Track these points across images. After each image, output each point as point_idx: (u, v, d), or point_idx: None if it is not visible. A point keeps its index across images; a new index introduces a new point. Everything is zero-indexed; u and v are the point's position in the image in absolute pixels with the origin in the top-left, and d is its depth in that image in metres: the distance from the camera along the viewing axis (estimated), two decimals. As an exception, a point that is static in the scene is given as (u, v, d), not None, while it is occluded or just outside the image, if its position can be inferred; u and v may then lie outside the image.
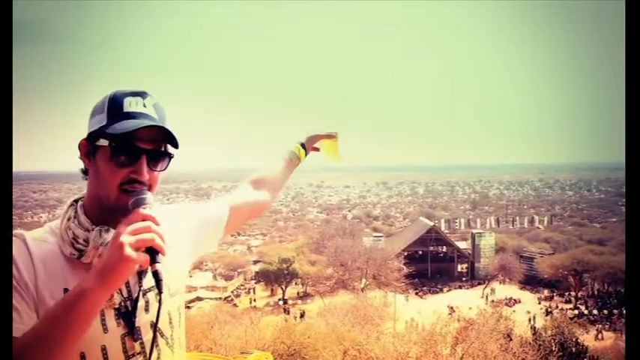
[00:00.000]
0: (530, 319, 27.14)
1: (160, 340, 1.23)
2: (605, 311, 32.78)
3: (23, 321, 1.01)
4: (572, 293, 36.93)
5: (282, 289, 38.01)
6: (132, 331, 1.16)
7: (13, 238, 1.11)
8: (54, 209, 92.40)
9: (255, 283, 42.44)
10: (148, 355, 1.16)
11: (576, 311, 32.86)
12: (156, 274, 1.02)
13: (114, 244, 0.98)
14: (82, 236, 1.14)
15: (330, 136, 1.95)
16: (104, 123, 1.14)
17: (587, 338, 21.54)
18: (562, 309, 32.44)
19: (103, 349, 1.12)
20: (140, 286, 1.18)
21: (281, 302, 36.27)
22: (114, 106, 1.15)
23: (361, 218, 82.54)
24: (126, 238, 0.98)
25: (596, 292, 38.10)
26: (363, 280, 33.71)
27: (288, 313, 32.65)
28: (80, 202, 1.21)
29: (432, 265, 46.05)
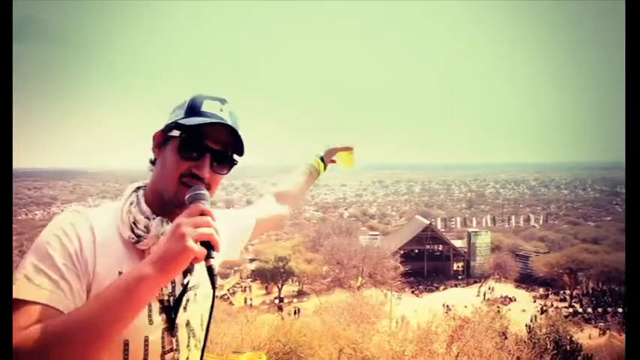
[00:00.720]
0: (531, 319, 27.25)
1: (192, 341, 1.25)
2: (600, 309, 32.96)
3: (74, 299, 1.03)
4: (567, 291, 37.12)
5: (278, 287, 38.00)
6: (172, 327, 1.18)
7: (74, 214, 1.13)
8: (49, 206, 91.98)
9: (252, 281, 42.42)
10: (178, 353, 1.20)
11: (571, 309, 33.04)
12: (210, 270, 1.05)
13: (175, 234, 0.99)
14: (142, 222, 1.16)
15: (347, 149, 2.03)
16: (180, 117, 1.19)
17: (582, 336, 21.67)
18: (557, 307, 32.63)
19: (146, 340, 1.14)
20: (183, 284, 1.21)
21: (277, 300, 36.29)
22: (193, 105, 1.21)
23: (357, 217, 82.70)
24: (188, 230, 0.99)
25: (590, 291, 38.32)
26: (359, 278, 33.77)
27: (281, 310, 32.84)
28: (142, 191, 1.24)
29: (428, 263, 46.16)
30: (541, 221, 73.64)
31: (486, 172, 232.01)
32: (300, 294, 38.50)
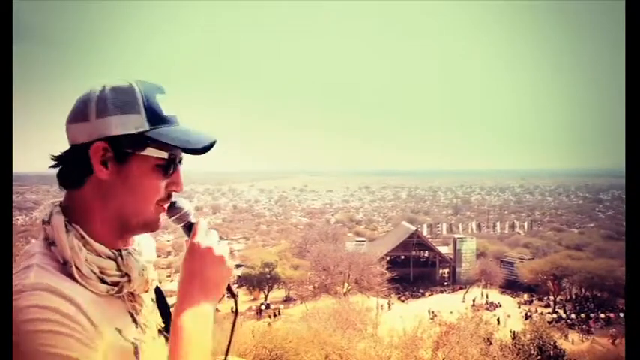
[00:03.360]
0: (513, 334, 27.42)
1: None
2: (583, 315, 33.38)
3: None
4: (551, 297, 37.53)
5: (264, 293, 37.82)
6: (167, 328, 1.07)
7: (36, 295, 0.80)
8: (31, 212, 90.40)
9: (238, 287, 42.15)
10: None
11: (555, 315, 33.39)
12: (230, 289, 1.05)
13: (213, 259, 0.97)
14: (110, 266, 0.93)
15: None
16: (146, 127, 0.92)
17: (565, 341, 21.92)
18: (541, 313, 32.95)
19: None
20: (236, 304, 1.17)
21: (263, 306, 36.11)
22: (151, 108, 0.93)
23: (344, 222, 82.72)
24: (223, 250, 0.97)
25: (574, 297, 38.78)
26: (346, 284, 33.73)
27: (260, 314, 32.95)
28: (78, 228, 0.91)
29: (414, 269, 46.31)
30: (526, 228, 74.41)
31: (472, 179, 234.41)
32: (287, 300, 38.36)
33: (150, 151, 0.93)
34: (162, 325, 1.07)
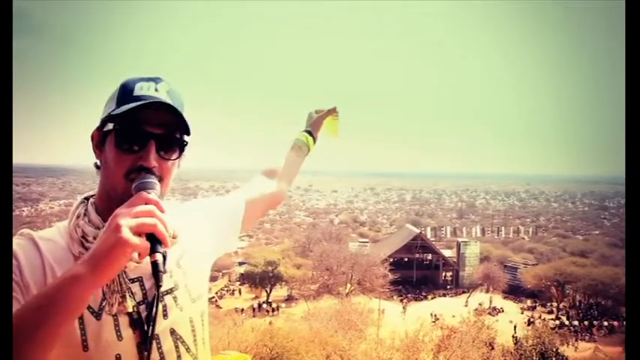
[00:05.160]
0: (515, 328, 27.24)
1: (181, 349, 1.13)
2: (586, 322, 33.18)
3: None
4: (555, 304, 37.31)
5: (266, 291, 37.86)
6: (145, 340, 1.04)
7: (19, 238, 1.05)
8: (37, 203, 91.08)
9: (240, 284, 42.24)
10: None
11: (558, 322, 33.19)
12: (155, 266, 0.92)
13: (110, 226, 0.89)
14: (91, 234, 1.06)
15: (331, 113, 1.87)
16: (113, 108, 1.08)
17: (568, 348, 21.79)
18: (544, 319, 32.78)
19: (118, 358, 1.03)
20: (158, 289, 1.00)
21: (265, 305, 36.16)
22: (124, 91, 1.09)
23: (348, 223, 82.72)
24: (124, 221, 0.88)
25: (577, 304, 38.55)
26: (348, 285, 33.71)
27: (259, 309, 33.06)
28: (92, 199, 1.14)
29: (417, 272, 46.23)
30: (530, 233, 74.15)
31: (477, 183, 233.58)
32: (289, 299, 38.39)
33: (108, 126, 1.07)
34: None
